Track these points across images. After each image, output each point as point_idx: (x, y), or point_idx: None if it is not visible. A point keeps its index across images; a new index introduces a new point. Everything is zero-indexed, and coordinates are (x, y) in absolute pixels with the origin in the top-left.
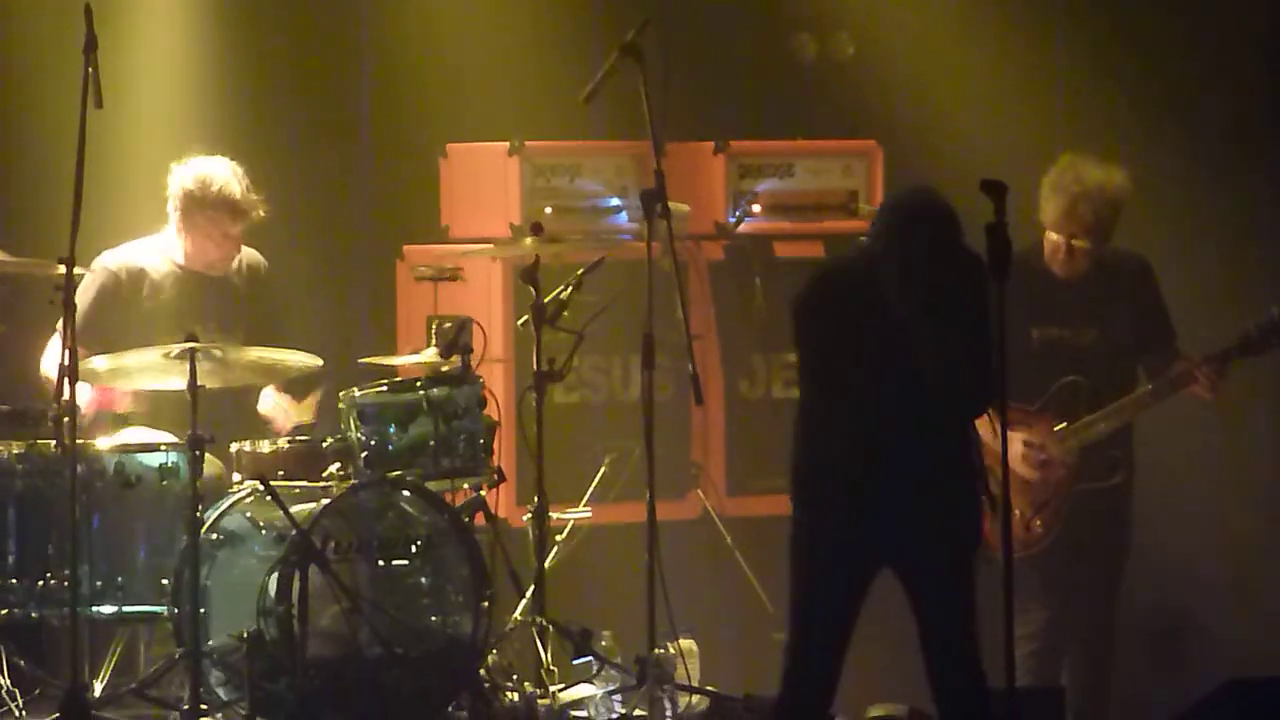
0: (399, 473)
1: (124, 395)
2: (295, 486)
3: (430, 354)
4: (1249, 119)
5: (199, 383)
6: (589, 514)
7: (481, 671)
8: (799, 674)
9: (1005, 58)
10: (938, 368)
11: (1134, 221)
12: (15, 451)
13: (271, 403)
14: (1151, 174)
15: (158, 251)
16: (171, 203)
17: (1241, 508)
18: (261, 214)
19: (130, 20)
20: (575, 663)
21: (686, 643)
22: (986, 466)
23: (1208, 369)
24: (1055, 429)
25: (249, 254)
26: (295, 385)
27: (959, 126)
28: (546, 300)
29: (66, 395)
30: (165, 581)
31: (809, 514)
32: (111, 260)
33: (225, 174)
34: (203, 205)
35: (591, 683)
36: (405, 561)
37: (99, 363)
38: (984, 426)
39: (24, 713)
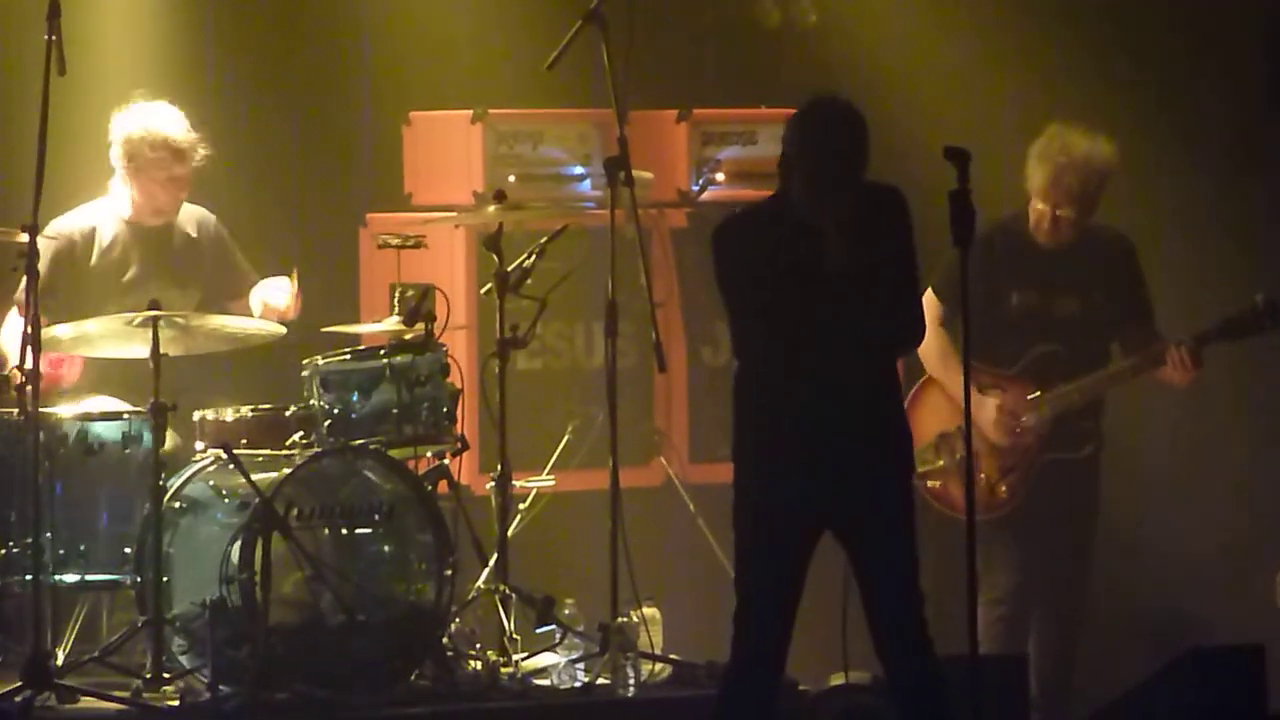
0: (362, 440)
1: (72, 368)
2: (258, 454)
3: (393, 322)
4: (1227, 86)
5: (161, 350)
6: (552, 481)
7: (444, 639)
8: (748, 639)
9: (970, 24)
10: (857, 288)
11: (1112, 198)
12: None
13: (265, 294)
14: (1125, 145)
15: (106, 210)
16: (115, 150)
17: (1210, 485)
18: (202, 153)
19: None
20: (538, 631)
21: (649, 610)
22: (957, 428)
23: (1183, 352)
24: (1029, 396)
25: (193, 210)
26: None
27: (922, 93)
28: (510, 268)
29: (29, 363)
30: (128, 549)
31: (745, 475)
32: (64, 224)
33: (166, 115)
34: (146, 147)
35: (554, 651)
36: (368, 529)
37: (61, 331)
38: (955, 387)
39: None
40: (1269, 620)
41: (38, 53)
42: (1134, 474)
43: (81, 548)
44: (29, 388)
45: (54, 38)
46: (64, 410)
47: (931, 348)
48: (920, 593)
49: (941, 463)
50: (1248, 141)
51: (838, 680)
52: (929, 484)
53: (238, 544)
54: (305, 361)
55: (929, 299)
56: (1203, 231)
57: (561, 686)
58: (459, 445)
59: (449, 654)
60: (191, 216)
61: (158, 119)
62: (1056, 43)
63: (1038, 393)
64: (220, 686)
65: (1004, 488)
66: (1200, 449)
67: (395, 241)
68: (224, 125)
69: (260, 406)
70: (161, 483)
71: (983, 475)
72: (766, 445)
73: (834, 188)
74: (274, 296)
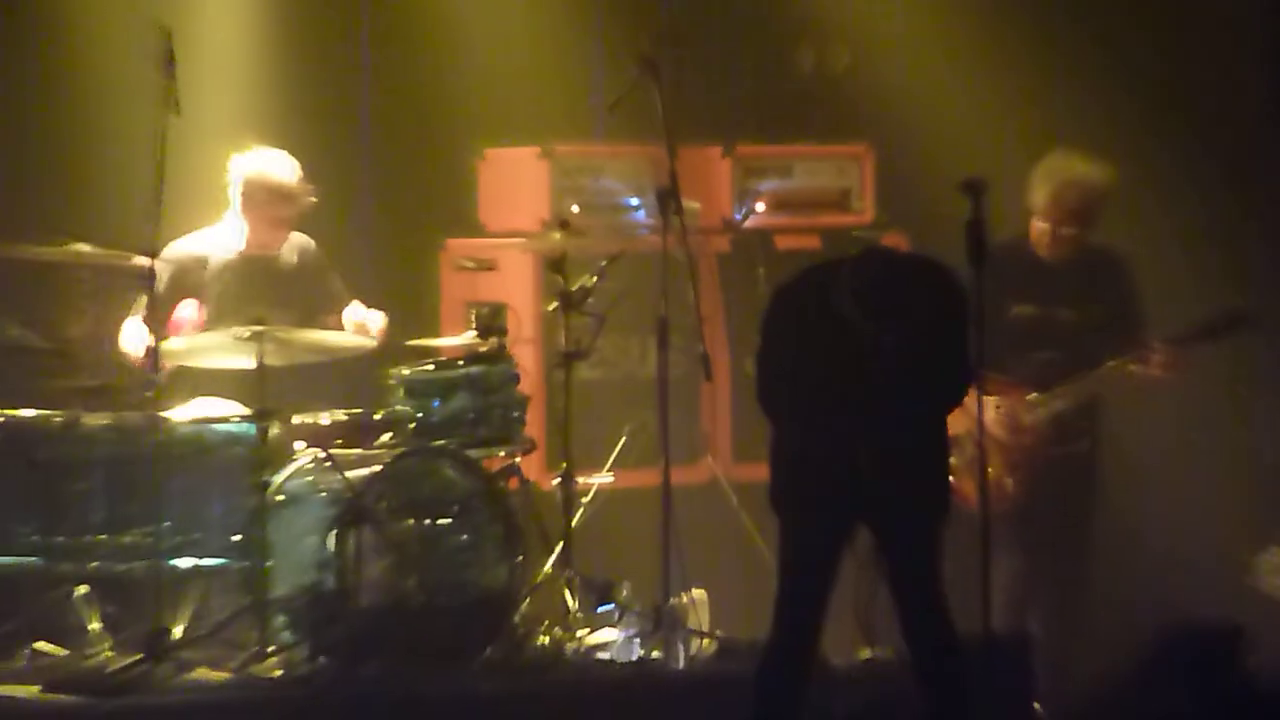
0: (441, 442)
1: (188, 324)
2: (350, 453)
3: (469, 336)
4: (1221, 130)
5: (264, 361)
6: (611, 478)
7: (515, 619)
8: (789, 617)
9: (985, 69)
10: (897, 359)
11: (1107, 218)
12: (104, 422)
13: (358, 318)
14: (1123, 175)
15: (218, 239)
16: (233, 188)
17: (1192, 478)
18: (311, 200)
19: (198, 30)
20: (599, 611)
21: (698, 593)
22: (967, 431)
23: (1166, 351)
24: (1029, 398)
25: (299, 238)
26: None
27: (943, 131)
28: (573, 288)
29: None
30: (235, 538)
31: (792, 491)
32: (178, 250)
33: (281, 165)
34: (260, 191)
35: (613, 628)
36: (447, 521)
37: (176, 343)
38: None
39: (113, 653)
40: (1250, 602)
41: (146, 92)
42: (1128, 469)
43: (195, 536)
44: (151, 394)
45: (170, 82)
46: (180, 414)
47: None
48: (940, 578)
49: (954, 462)
50: (1236, 164)
51: (865, 654)
52: None
53: (332, 534)
54: (391, 371)
55: None
56: (1192, 243)
57: (620, 660)
58: (527, 446)
59: (519, 632)
60: (294, 244)
61: (273, 167)
62: (1062, 78)
63: (1036, 395)
64: (316, 660)
65: (1011, 482)
66: (1186, 445)
67: (471, 264)
68: (316, 160)
69: (351, 411)
70: (265, 479)
71: (991, 471)
72: (812, 457)
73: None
74: (370, 323)
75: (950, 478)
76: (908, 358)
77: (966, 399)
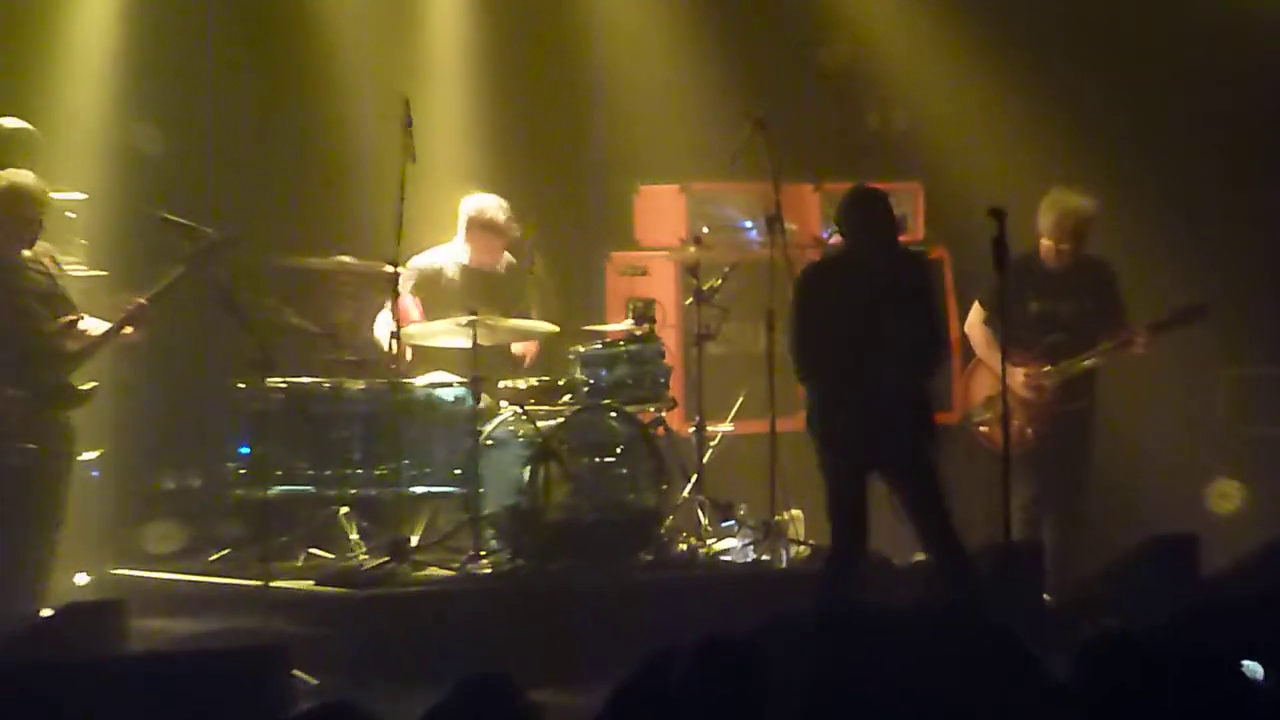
0: (607, 400)
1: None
2: (540, 409)
3: (628, 323)
4: (1183, 164)
5: (478, 341)
6: (732, 427)
7: (661, 531)
8: (837, 533)
9: (1007, 125)
10: (892, 321)
11: (1100, 230)
12: (360, 386)
13: (520, 348)
14: (1111, 195)
15: (448, 255)
16: (461, 220)
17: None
18: (517, 235)
19: (428, 98)
20: (723, 525)
21: (796, 512)
22: (998, 392)
23: (1145, 334)
24: (1044, 370)
25: (508, 256)
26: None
27: (975, 171)
28: (704, 287)
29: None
30: (456, 471)
31: (825, 436)
32: (418, 262)
33: (495, 208)
34: (479, 227)
35: (733, 538)
36: (611, 459)
37: (413, 329)
38: (995, 365)
39: (367, 556)
40: (1201, 520)
41: (391, 143)
42: (1116, 422)
43: (426, 470)
44: (394, 366)
45: (408, 137)
46: (417, 381)
47: (979, 339)
48: (941, 498)
49: (989, 415)
50: (1201, 189)
51: (918, 557)
52: (982, 430)
53: (527, 468)
54: (570, 348)
55: (977, 308)
56: (1166, 252)
57: (738, 561)
58: (671, 404)
59: (664, 540)
60: (504, 260)
61: (490, 209)
62: (1061, 133)
63: (1049, 367)
64: (516, 561)
65: (1030, 430)
66: (1159, 403)
67: (629, 270)
68: (518, 191)
69: (542, 378)
70: (478, 428)
71: (1015, 422)
72: (834, 411)
73: (876, 254)
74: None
75: (935, 420)
76: (898, 327)
77: (994, 365)
